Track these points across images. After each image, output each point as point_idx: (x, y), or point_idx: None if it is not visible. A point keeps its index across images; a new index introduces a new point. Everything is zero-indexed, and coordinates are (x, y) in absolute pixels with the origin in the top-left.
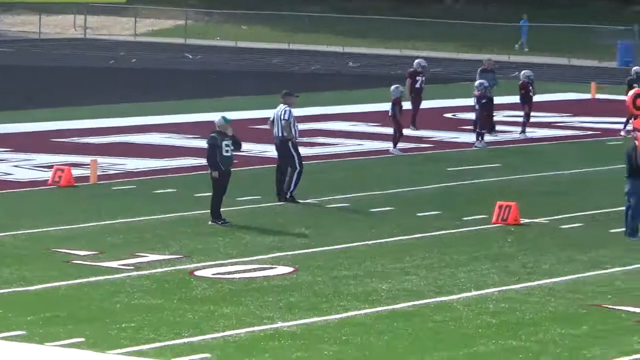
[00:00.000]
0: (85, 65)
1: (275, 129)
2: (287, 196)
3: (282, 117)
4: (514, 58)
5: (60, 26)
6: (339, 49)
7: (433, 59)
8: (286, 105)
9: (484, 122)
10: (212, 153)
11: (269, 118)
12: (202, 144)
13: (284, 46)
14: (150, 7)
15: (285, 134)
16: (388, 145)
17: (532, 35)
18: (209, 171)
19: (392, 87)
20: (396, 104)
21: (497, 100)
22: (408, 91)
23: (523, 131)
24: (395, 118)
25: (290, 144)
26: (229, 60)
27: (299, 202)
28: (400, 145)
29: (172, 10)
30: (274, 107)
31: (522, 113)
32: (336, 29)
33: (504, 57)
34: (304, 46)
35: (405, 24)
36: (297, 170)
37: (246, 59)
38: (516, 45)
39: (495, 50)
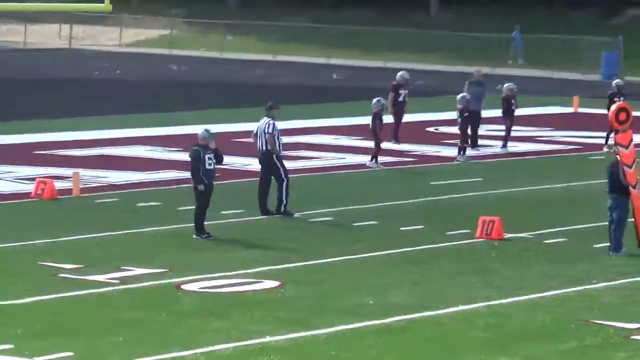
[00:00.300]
0: (70, 76)
1: (259, 143)
2: (282, 210)
3: (266, 131)
4: (498, 70)
5: (46, 36)
6: (323, 60)
7: (417, 71)
8: (270, 119)
9: (466, 136)
10: (196, 166)
11: (253, 131)
12: (186, 156)
13: (269, 57)
14: (135, 16)
15: (269, 147)
16: (381, 159)
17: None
18: (192, 184)
19: (374, 100)
20: (377, 117)
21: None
22: (391, 104)
23: (504, 145)
24: (375, 131)
25: (274, 156)
26: (214, 71)
27: (293, 215)
28: (382, 159)
29: (158, 20)
30: (258, 119)
31: (504, 127)
32: (320, 40)
33: (488, 69)
34: (288, 57)
35: (389, 36)
36: (284, 183)
37: (231, 70)
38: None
39: (479, 63)
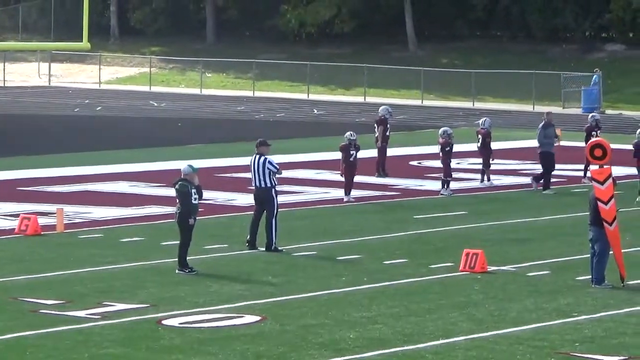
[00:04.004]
0: (50, 113)
1: (257, 179)
2: (272, 248)
3: (266, 167)
4: (477, 105)
5: (25, 74)
6: (304, 96)
7: (397, 105)
8: (261, 155)
9: (449, 170)
10: (187, 201)
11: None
12: (169, 192)
13: (249, 94)
14: (114, 54)
15: (269, 183)
16: (354, 193)
17: (493, 81)
18: (175, 219)
19: (347, 134)
20: (344, 151)
21: (460, 148)
22: (381, 138)
23: (484, 179)
24: (343, 166)
25: (273, 191)
26: (194, 107)
27: (282, 251)
28: (366, 193)
29: (136, 58)
30: (239, 154)
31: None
32: (300, 76)
33: (468, 104)
34: (267, 93)
35: (369, 71)
36: (274, 216)
37: (211, 107)
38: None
39: (457, 98)
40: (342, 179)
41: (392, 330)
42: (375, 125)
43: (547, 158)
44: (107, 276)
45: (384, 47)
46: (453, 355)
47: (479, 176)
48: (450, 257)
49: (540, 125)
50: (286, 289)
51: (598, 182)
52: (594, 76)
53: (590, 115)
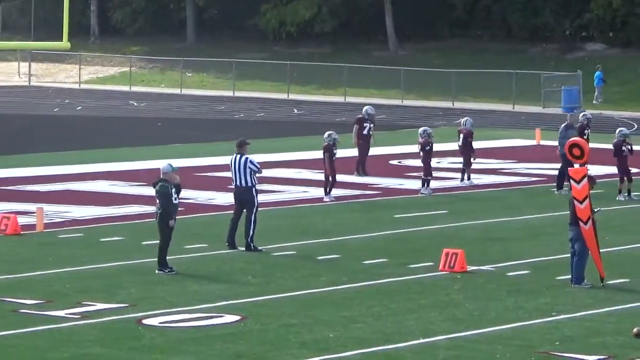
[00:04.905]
0: (30, 112)
1: (237, 178)
2: (252, 248)
3: (247, 166)
4: (457, 104)
5: (5, 73)
6: (284, 96)
7: (377, 105)
8: (241, 154)
9: (429, 169)
10: (168, 201)
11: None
12: (149, 191)
13: (229, 93)
14: (94, 54)
15: (249, 182)
16: (332, 192)
17: (473, 81)
18: (155, 219)
19: (325, 134)
20: (326, 150)
21: (440, 147)
22: (356, 138)
23: (464, 178)
24: (325, 165)
25: (253, 190)
26: (174, 107)
27: (262, 250)
28: (347, 192)
29: (116, 58)
30: (219, 154)
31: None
32: (280, 76)
33: (448, 104)
34: (247, 93)
35: (349, 71)
36: (254, 213)
37: (191, 106)
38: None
39: (438, 97)
40: (323, 178)
41: (372, 329)
42: (354, 123)
43: (565, 160)
44: (87, 276)
45: (364, 46)
46: (433, 355)
47: (459, 175)
48: (430, 257)
49: (563, 125)
50: (266, 288)
51: (575, 180)
52: (597, 72)
53: (582, 115)
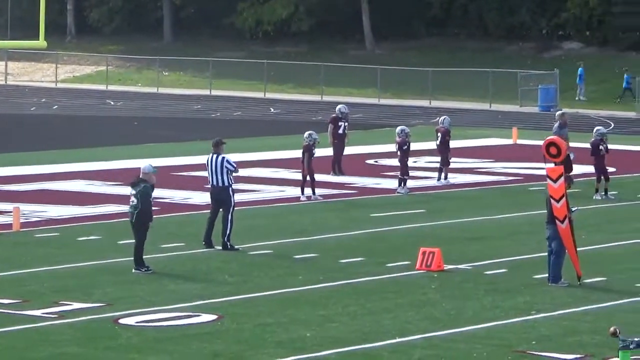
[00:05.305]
0: (6, 112)
1: (214, 178)
2: (229, 247)
3: (224, 166)
4: (434, 103)
5: None
6: (260, 95)
7: (354, 104)
8: (218, 154)
9: (406, 168)
10: (149, 201)
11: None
12: (125, 190)
13: (205, 92)
14: (70, 53)
15: (226, 181)
16: (309, 191)
17: (450, 80)
18: (130, 219)
19: (305, 134)
20: (306, 150)
21: (417, 146)
22: (331, 137)
23: (441, 177)
24: (303, 164)
25: (230, 190)
26: (151, 106)
27: (238, 249)
28: (323, 191)
29: (93, 57)
30: (196, 153)
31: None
32: (257, 74)
33: (425, 103)
34: (224, 92)
35: (326, 70)
36: (231, 213)
37: (168, 105)
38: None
39: (415, 96)
40: (301, 178)
41: (349, 328)
42: (329, 122)
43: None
44: (64, 275)
45: (341, 45)
46: (410, 354)
47: (435, 174)
48: (406, 256)
49: (556, 125)
50: (243, 287)
51: (551, 179)
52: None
53: (559, 112)
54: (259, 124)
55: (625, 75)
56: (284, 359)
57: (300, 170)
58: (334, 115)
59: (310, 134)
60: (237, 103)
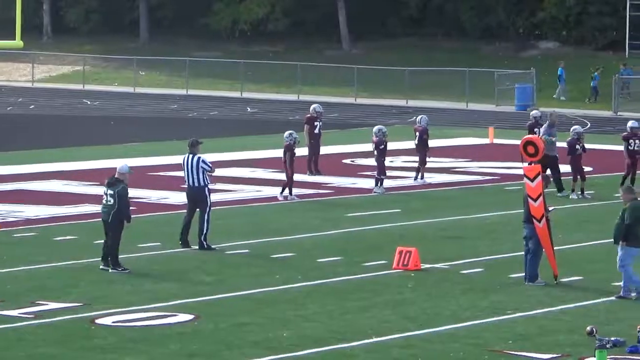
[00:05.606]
0: None
1: (190, 178)
2: (205, 247)
3: (199, 166)
4: (411, 103)
5: None
6: (237, 94)
7: (331, 104)
8: (194, 154)
9: (383, 168)
10: (127, 202)
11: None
12: (101, 190)
13: (182, 92)
14: (47, 52)
15: (202, 181)
16: (286, 191)
17: (427, 79)
18: (105, 219)
19: (286, 134)
20: (288, 149)
21: (393, 146)
22: (307, 137)
23: (418, 177)
24: (286, 164)
25: (206, 190)
26: (127, 106)
27: (215, 249)
28: (299, 191)
29: (70, 56)
30: (172, 153)
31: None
32: (233, 74)
33: (401, 102)
34: (202, 92)
35: (302, 69)
36: (207, 212)
37: (144, 105)
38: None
39: (391, 96)
40: (283, 177)
41: (326, 328)
42: (305, 123)
43: (551, 162)
44: (41, 275)
45: (318, 45)
46: (387, 353)
47: (412, 174)
48: (383, 255)
49: (545, 125)
50: (219, 287)
51: (528, 178)
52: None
53: (532, 113)
54: (235, 124)
55: (594, 74)
56: (260, 359)
57: (283, 170)
58: (308, 115)
59: (290, 133)
60: (214, 102)
